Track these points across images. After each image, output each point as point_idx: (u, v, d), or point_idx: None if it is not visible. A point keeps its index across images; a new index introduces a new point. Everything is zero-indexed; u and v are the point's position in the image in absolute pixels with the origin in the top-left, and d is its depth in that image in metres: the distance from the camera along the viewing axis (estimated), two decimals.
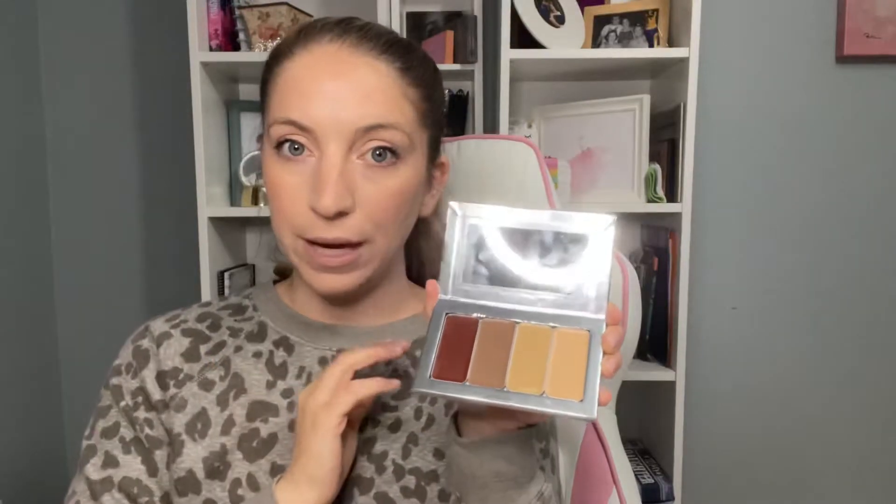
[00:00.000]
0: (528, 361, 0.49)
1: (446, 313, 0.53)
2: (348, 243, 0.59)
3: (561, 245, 0.52)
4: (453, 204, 0.54)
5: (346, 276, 0.60)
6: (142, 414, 0.63)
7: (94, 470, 0.62)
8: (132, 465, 0.62)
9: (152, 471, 0.62)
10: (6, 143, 1.58)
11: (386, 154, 0.59)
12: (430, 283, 0.54)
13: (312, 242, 0.59)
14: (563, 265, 0.52)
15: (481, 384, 0.49)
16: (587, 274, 0.51)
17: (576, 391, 0.47)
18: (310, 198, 0.57)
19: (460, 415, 0.55)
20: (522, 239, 0.52)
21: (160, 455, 0.63)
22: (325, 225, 0.57)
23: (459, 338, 0.51)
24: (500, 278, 0.53)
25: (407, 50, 0.62)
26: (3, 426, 1.56)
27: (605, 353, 0.49)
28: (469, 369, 0.50)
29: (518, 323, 0.52)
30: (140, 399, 0.63)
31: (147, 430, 0.63)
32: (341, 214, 0.57)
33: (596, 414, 0.47)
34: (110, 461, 0.62)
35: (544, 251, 0.52)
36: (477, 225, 0.53)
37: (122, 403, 0.64)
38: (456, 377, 0.49)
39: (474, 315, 0.53)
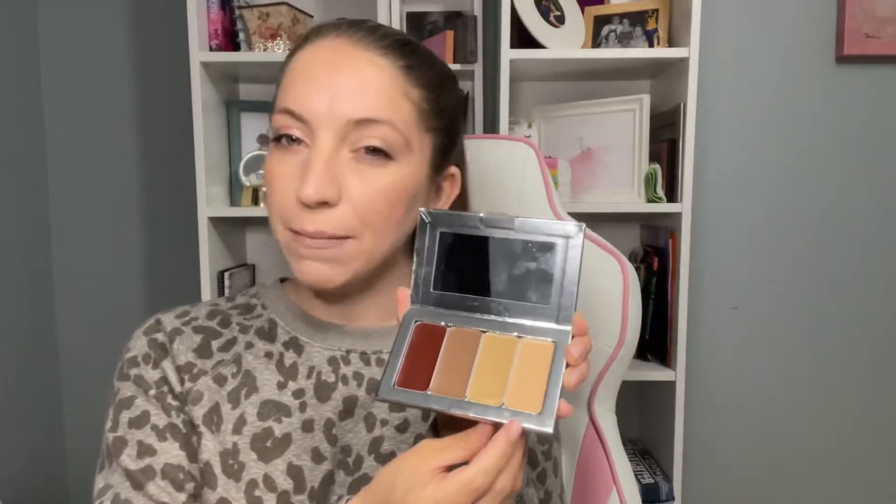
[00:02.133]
0: (491, 372, 0.49)
1: (415, 321, 0.53)
2: (332, 236, 0.58)
3: (530, 254, 0.51)
4: (422, 211, 0.54)
5: (329, 268, 0.59)
6: (172, 401, 0.63)
7: (130, 460, 0.60)
8: (171, 452, 0.61)
9: (192, 456, 0.61)
10: (6, 142, 1.58)
11: (378, 153, 0.59)
12: (400, 290, 0.54)
13: (297, 233, 0.59)
14: (532, 274, 0.51)
15: (443, 393, 0.49)
16: (555, 283, 0.51)
17: (535, 403, 0.47)
18: (297, 187, 0.58)
19: (438, 420, 0.55)
20: (492, 247, 0.52)
21: (195, 440, 0.62)
22: (309, 215, 0.57)
23: (426, 346, 0.51)
24: (470, 287, 0.53)
25: (414, 51, 0.62)
26: (3, 426, 1.56)
27: (569, 365, 0.49)
28: (433, 378, 0.50)
29: (484, 332, 0.51)
30: (165, 389, 0.63)
31: (182, 415, 0.62)
32: (325, 205, 0.57)
33: (552, 428, 0.46)
34: (146, 450, 0.61)
35: (513, 260, 0.52)
36: (447, 233, 0.53)
37: (152, 392, 0.62)
38: (419, 386, 0.49)
39: (442, 323, 0.52)
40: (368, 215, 0.59)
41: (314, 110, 0.58)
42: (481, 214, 0.52)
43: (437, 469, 0.47)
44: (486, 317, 0.52)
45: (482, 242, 0.52)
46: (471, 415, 0.47)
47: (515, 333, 0.51)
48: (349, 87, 0.58)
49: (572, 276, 0.51)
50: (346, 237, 0.59)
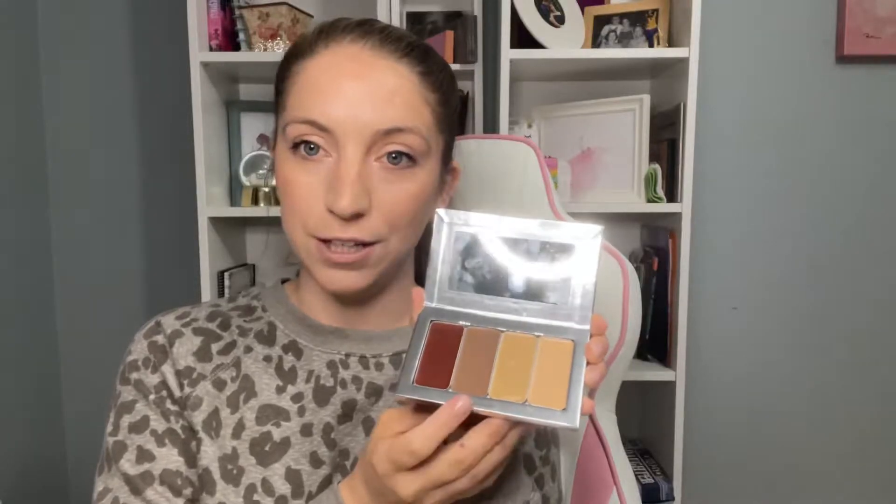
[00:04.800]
0: (512, 370, 0.49)
1: (431, 320, 0.53)
2: (363, 243, 0.59)
3: (547, 254, 0.52)
4: (440, 211, 0.54)
5: (356, 274, 0.60)
6: (171, 406, 0.63)
7: (129, 465, 0.61)
8: (169, 457, 0.61)
9: (191, 461, 0.62)
10: (6, 142, 1.58)
11: (402, 158, 0.59)
12: (415, 290, 0.54)
13: (325, 240, 0.59)
14: (550, 274, 0.52)
15: (464, 391, 0.48)
16: (573, 284, 0.51)
17: (558, 400, 0.47)
18: (326, 198, 0.58)
19: None
20: (509, 247, 0.52)
21: (195, 445, 0.62)
22: (341, 225, 0.58)
23: (444, 345, 0.51)
24: (486, 287, 0.53)
25: (427, 54, 0.62)
26: (3, 426, 1.56)
27: (588, 364, 0.49)
28: (452, 376, 0.50)
29: (503, 332, 0.52)
30: (164, 393, 0.63)
31: (181, 421, 0.63)
32: (358, 216, 0.57)
33: (578, 423, 0.47)
34: (145, 455, 0.61)
35: (531, 260, 0.52)
36: (464, 232, 0.53)
37: (152, 397, 0.63)
38: (439, 384, 0.49)
39: (459, 323, 0.52)
40: (396, 220, 0.59)
41: (340, 121, 0.57)
42: (499, 216, 0.53)
43: (395, 433, 0.49)
44: (503, 316, 0.52)
45: (499, 242, 0.53)
46: (495, 412, 0.47)
47: (534, 333, 0.51)
48: (375, 97, 0.58)
49: (590, 277, 0.51)
50: (375, 242, 0.59)
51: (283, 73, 0.63)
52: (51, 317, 1.73)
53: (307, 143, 0.59)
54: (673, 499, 1.46)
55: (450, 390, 0.49)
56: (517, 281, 0.52)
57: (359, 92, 0.58)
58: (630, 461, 0.88)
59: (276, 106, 0.64)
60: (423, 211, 0.62)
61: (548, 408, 0.47)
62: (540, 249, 0.52)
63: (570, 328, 0.51)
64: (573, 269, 0.51)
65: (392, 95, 0.58)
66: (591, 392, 0.85)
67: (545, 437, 0.69)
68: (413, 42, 0.62)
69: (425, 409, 0.49)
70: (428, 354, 0.51)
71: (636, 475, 1.40)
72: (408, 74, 0.60)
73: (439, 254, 0.54)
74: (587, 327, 0.51)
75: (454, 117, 0.66)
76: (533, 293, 0.52)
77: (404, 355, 0.51)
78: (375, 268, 0.61)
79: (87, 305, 1.74)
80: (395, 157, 0.59)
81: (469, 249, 0.53)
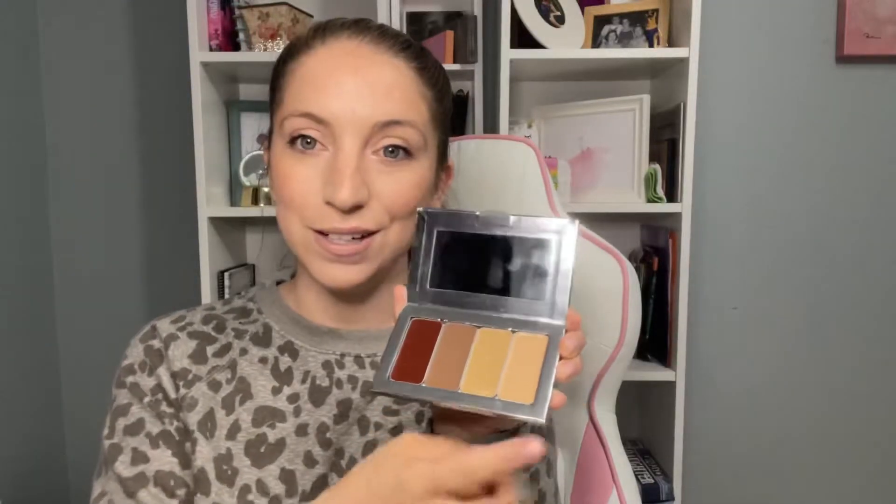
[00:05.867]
0: (485, 365, 0.50)
1: (411, 317, 0.54)
2: (365, 232, 0.59)
3: (525, 250, 0.52)
4: (420, 210, 0.55)
5: (354, 268, 0.60)
6: (166, 408, 0.63)
7: (124, 468, 0.61)
8: (163, 459, 0.61)
9: (185, 462, 0.62)
10: (6, 143, 1.58)
11: (399, 151, 0.59)
12: (397, 288, 0.55)
13: (323, 233, 0.59)
14: (526, 270, 0.52)
15: (436, 385, 0.49)
16: (549, 279, 0.52)
17: (528, 394, 0.48)
18: (325, 191, 0.58)
19: (435, 421, 0.55)
20: (488, 244, 0.53)
21: (189, 447, 0.62)
22: (340, 217, 0.58)
23: (421, 341, 0.52)
24: (466, 283, 0.54)
25: (422, 52, 0.63)
26: (3, 426, 1.56)
27: (563, 358, 0.49)
28: (427, 371, 0.50)
29: (479, 327, 0.52)
30: (160, 396, 0.63)
31: (176, 423, 0.63)
32: (357, 207, 0.58)
33: (545, 418, 0.47)
34: (139, 457, 0.61)
35: (508, 256, 0.53)
36: (444, 231, 0.54)
37: (146, 399, 0.63)
38: (413, 378, 0.50)
39: (438, 319, 0.53)
40: (397, 209, 0.60)
41: (338, 114, 0.58)
42: (477, 213, 0.53)
43: (428, 458, 0.45)
44: (481, 312, 0.53)
45: (478, 240, 0.53)
46: (463, 405, 0.48)
47: (510, 328, 0.52)
48: (373, 90, 0.58)
49: (566, 272, 0.51)
50: (376, 231, 0.60)
51: (279, 70, 0.64)
52: (51, 317, 1.73)
53: (304, 136, 0.59)
54: (673, 499, 1.47)
55: (423, 385, 0.50)
56: (495, 277, 0.53)
57: (357, 85, 0.58)
58: (630, 461, 0.88)
59: (271, 105, 0.64)
60: (421, 204, 0.62)
61: (516, 402, 0.47)
62: (518, 245, 0.52)
63: (545, 323, 0.51)
64: (550, 264, 0.52)
65: (390, 89, 0.59)
66: (594, 387, 0.85)
67: (541, 434, 0.69)
68: (409, 40, 0.63)
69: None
70: (406, 350, 0.52)
71: (636, 475, 1.40)
72: (405, 69, 0.60)
73: (420, 252, 0.54)
74: (562, 322, 0.51)
75: (448, 117, 0.67)
76: (511, 289, 0.53)
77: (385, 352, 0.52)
78: (374, 260, 0.61)
79: (86, 305, 1.74)
80: (392, 150, 0.59)
81: (450, 247, 0.54)
